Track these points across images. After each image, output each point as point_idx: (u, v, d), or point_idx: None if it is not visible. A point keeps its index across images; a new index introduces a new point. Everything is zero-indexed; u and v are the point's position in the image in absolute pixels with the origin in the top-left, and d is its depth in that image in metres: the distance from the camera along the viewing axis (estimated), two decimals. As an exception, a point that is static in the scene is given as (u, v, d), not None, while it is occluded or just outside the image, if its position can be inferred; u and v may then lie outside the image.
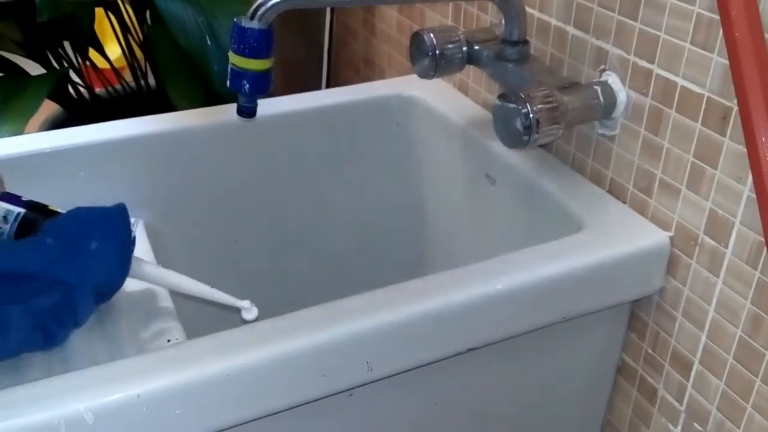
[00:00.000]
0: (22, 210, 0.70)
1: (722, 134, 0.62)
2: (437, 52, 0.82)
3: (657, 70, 0.67)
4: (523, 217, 0.82)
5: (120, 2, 1.41)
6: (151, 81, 1.52)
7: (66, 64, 1.43)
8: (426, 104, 0.97)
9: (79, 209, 0.68)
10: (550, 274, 0.65)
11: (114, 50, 1.55)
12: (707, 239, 0.65)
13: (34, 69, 1.34)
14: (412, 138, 1.00)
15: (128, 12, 1.43)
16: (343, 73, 1.31)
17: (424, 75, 0.84)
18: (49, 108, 1.46)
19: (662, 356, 0.72)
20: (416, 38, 0.83)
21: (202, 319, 0.79)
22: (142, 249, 0.81)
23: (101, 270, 0.66)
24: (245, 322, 0.73)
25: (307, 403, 0.59)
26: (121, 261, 0.68)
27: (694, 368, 0.69)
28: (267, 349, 0.56)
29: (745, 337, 0.63)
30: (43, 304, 0.63)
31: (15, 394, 0.52)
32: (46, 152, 0.84)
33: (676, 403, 0.72)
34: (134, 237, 0.75)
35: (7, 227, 0.69)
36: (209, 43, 1.34)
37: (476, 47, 0.82)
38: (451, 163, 0.94)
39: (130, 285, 0.76)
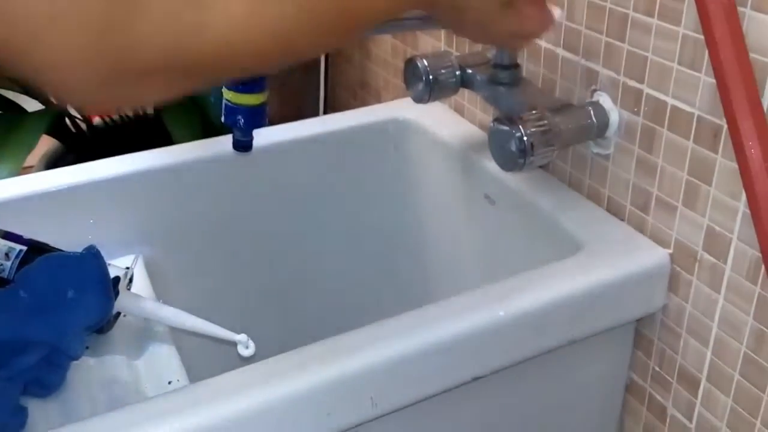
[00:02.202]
0: (24, 248, 0.70)
1: (714, 152, 0.62)
2: (431, 77, 0.82)
3: (647, 90, 0.67)
4: (523, 236, 0.82)
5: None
6: (149, 109, 1.52)
7: (64, 99, 1.43)
8: (423, 127, 0.97)
9: (50, 257, 0.67)
10: (552, 297, 0.65)
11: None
12: (706, 256, 0.65)
13: (31, 105, 1.34)
14: (411, 161, 1.00)
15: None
16: (340, 96, 1.32)
17: (419, 99, 0.84)
18: (46, 142, 1.45)
19: (669, 374, 0.72)
20: (410, 64, 0.84)
21: (202, 354, 0.79)
22: (141, 285, 0.81)
23: (82, 316, 0.66)
24: (242, 356, 0.74)
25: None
26: (102, 304, 0.67)
27: (702, 385, 0.69)
28: (271, 389, 0.56)
29: (750, 352, 0.63)
30: (25, 363, 0.62)
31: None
32: (41, 193, 0.84)
33: (685, 421, 0.71)
34: (132, 275, 0.75)
35: (8, 264, 0.70)
36: (206, 73, 1.36)
37: (469, 71, 0.82)
38: (449, 185, 0.94)
39: (130, 323, 0.76)
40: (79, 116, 1.46)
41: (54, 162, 1.40)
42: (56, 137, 1.45)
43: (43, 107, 1.36)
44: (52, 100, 1.40)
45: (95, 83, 0.35)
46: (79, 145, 1.45)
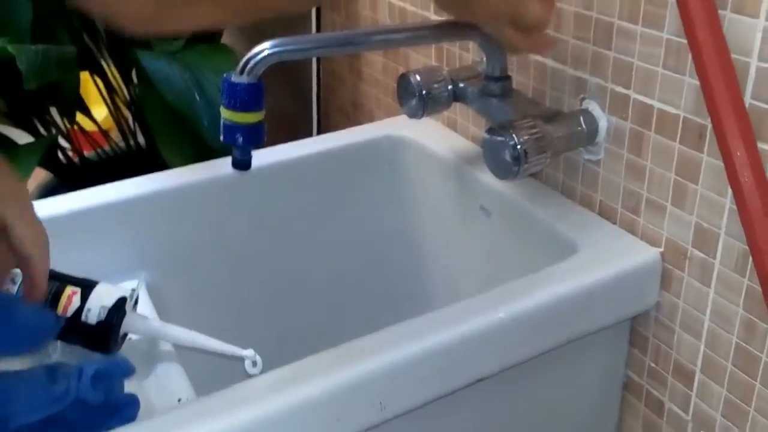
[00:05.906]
0: None
1: (700, 151, 0.65)
2: (424, 92, 0.84)
3: (634, 95, 0.70)
4: (519, 244, 0.85)
5: (105, 64, 1.43)
6: (140, 139, 1.52)
7: (54, 131, 1.43)
8: (417, 143, 1.00)
9: None
10: (550, 299, 0.67)
11: (100, 111, 1.55)
12: (696, 252, 0.68)
13: (22, 138, 1.33)
14: (406, 177, 1.02)
15: (113, 73, 1.45)
16: (333, 118, 1.34)
17: (413, 115, 0.87)
18: (38, 175, 1.45)
19: (665, 369, 0.74)
20: (403, 80, 0.86)
21: (208, 372, 0.80)
22: (144, 307, 0.81)
23: None
24: (249, 374, 0.74)
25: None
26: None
27: (696, 378, 0.71)
28: (280, 398, 0.57)
29: (741, 342, 0.65)
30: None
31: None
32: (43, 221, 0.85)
33: (682, 414, 0.74)
34: (137, 296, 0.75)
35: (14, 288, 0.71)
36: (197, 98, 1.37)
37: (461, 85, 0.85)
38: (445, 199, 0.97)
39: (136, 344, 0.77)
40: (70, 147, 1.47)
41: (47, 194, 1.41)
42: (49, 169, 1.45)
43: (34, 139, 1.37)
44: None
45: (150, 7, 0.40)
46: (71, 177, 1.45)
